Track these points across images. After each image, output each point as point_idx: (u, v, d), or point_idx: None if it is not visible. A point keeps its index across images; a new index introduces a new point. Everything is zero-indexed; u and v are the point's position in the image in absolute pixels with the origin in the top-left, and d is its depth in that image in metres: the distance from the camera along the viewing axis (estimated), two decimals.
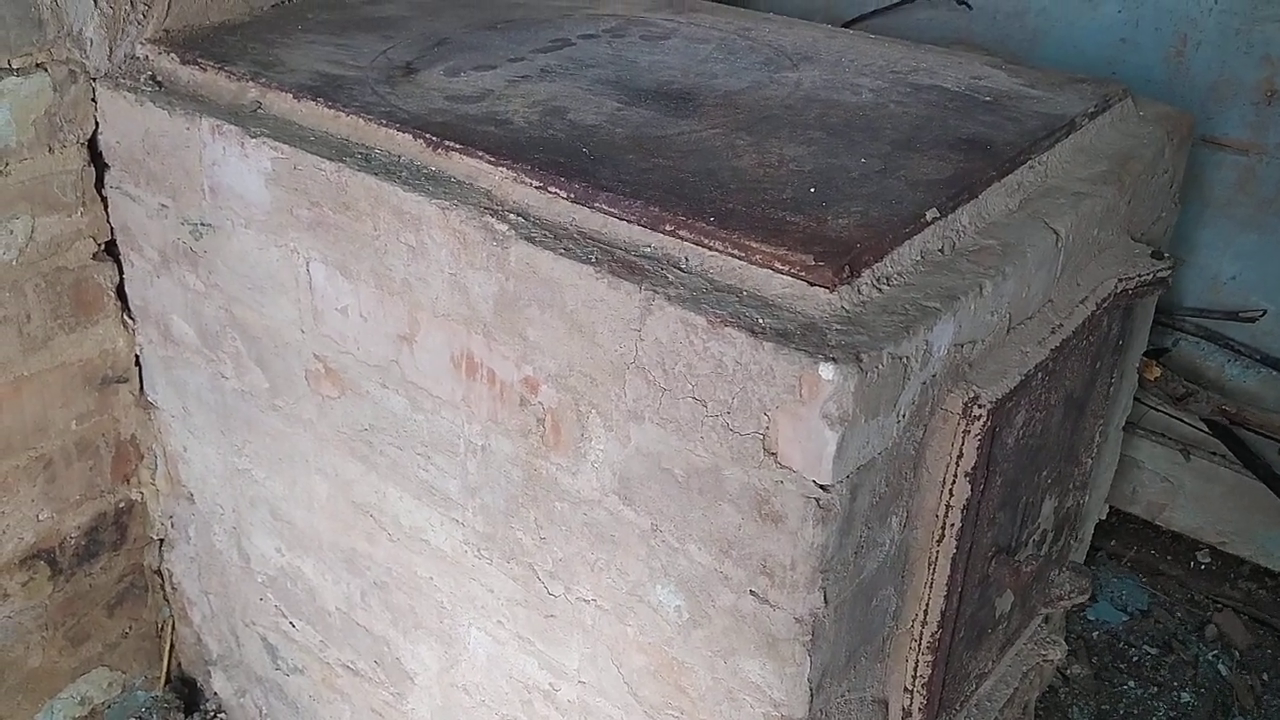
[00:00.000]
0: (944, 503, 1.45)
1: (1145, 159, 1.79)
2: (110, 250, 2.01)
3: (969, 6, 2.67)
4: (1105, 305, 1.66)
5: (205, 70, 1.83)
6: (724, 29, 2.13)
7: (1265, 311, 2.49)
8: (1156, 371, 2.40)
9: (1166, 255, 1.76)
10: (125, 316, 2.06)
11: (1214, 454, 2.64)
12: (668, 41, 2.03)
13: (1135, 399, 2.34)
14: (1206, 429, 2.60)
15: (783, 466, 1.25)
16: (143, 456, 2.19)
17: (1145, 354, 2.20)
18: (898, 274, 1.37)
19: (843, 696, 1.46)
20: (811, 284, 1.30)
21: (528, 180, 1.50)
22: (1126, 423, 2.30)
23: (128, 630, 2.33)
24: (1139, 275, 1.71)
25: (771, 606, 1.33)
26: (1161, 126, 1.90)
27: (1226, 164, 2.46)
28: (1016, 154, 1.63)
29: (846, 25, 2.73)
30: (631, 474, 1.41)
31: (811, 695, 1.36)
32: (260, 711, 2.32)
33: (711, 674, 1.43)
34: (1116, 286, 1.68)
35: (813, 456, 1.23)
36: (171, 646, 2.43)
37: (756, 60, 1.96)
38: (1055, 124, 1.74)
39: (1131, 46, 2.50)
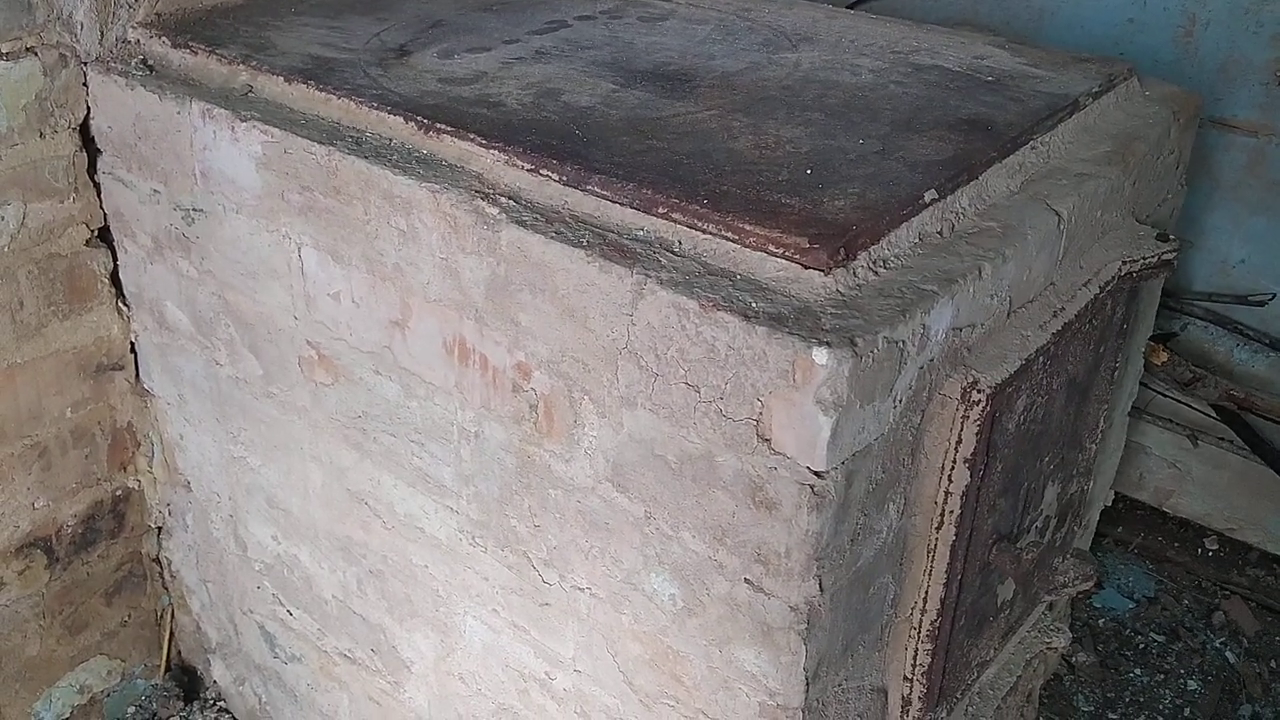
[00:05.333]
0: (943, 489, 1.43)
1: (1150, 139, 1.76)
2: (104, 236, 2.00)
3: None
4: (1109, 288, 1.64)
5: (196, 54, 1.81)
6: (723, 10, 2.10)
7: (1275, 295, 2.45)
8: (1163, 356, 2.38)
9: (1172, 237, 1.73)
10: (120, 303, 2.05)
11: (1222, 439, 2.61)
12: (665, 23, 2.01)
13: (1142, 384, 2.31)
14: (1214, 414, 2.57)
15: (776, 453, 1.23)
16: (139, 444, 2.18)
17: (1152, 338, 2.18)
18: (895, 257, 1.35)
19: (840, 685, 1.44)
20: (806, 267, 1.28)
21: (519, 163, 1.48)
22: (1133, 408, 2.27)
23: (127, 619, 2.33)
24: (1144, 258, 1.68)
25: (766, 595, 1.31)
26: (1167, 106, 1.86)
27: (1236, 146, 2.42)
28: (1018, 134, 1.60)
29: (850, 6, 2.69)
30: (624, 461, 1.39)
31: (807, 684, 1.34)
32: (259, 700, 2.32)
33: (707, 663, 1.41)
34: (1121, 269, 1.65)
35: (807, 442, 1.20)
36: (171, 635, 2.43)
37: (755, 41, 1.93)
38: (1058, 104, 1.71)
39: (1139, 26, 2.46)
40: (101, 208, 1.97)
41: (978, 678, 1.82)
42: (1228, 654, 2.58)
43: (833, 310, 1.24)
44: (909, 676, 1.56)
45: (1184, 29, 2.42)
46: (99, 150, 1.92)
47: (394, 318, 1.59)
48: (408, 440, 1.67)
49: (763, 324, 1.20)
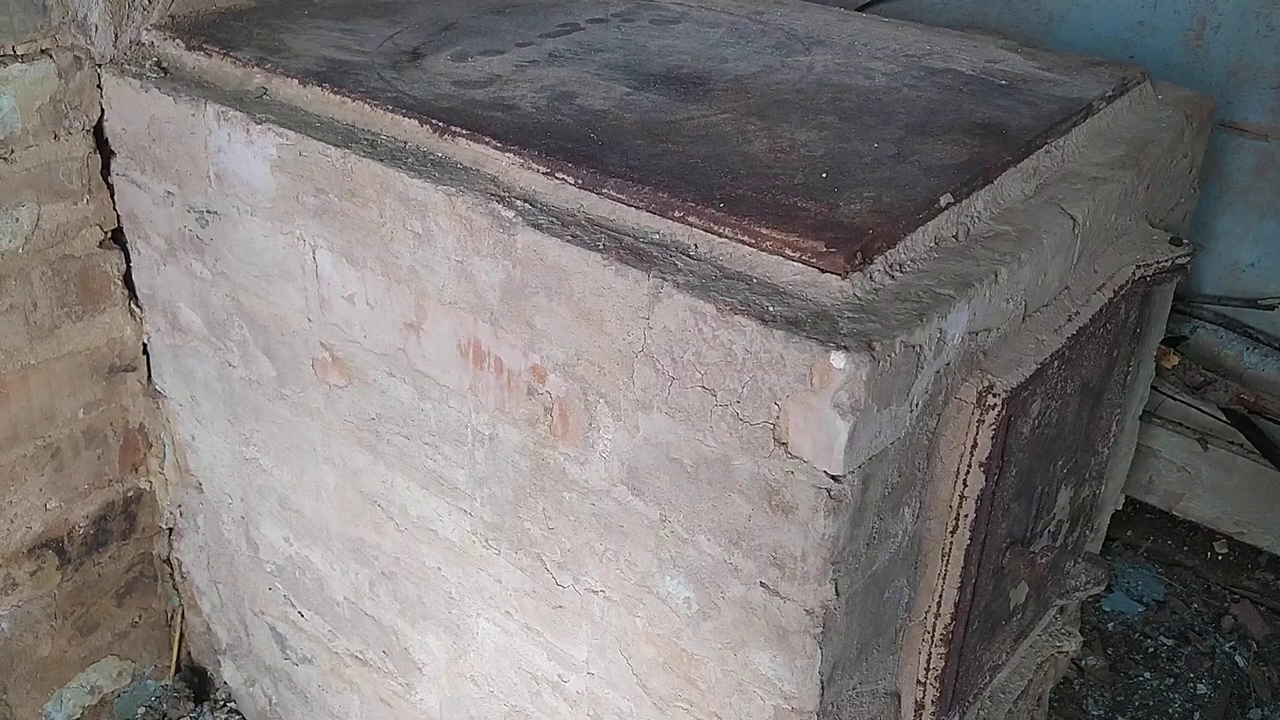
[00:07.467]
0: (958, 493, 1.43)
1: (1164, 143, 1.76)
2: (117, 238, 2.00)
3: None
4: (1123, 292, 1.64)
5: (210, 56, 1.81)
6: (735, 13, 2.10)
7: None
8: (1174, 359, 2.37)
9: (1185, 241, 1.73)
10: (132, 305, 2.05)
11: (1232, 443, 2.61)
12: (678, 25, 2.01)
13: (1153, 387, 2.31)
14: (1224, 418, 2.56)
15: (793, 457, 1.23)
16: (151, 445, 2.19)
17: (1163, 342, 2.17)
18: (911, 261, 1.35)
19: (854, 689, 1.44)
20: (823, 271, 1.28)
21: (535, 166, 1.48)
22: (1144, 411, 2.27)
23: (137, 619, 2.33)
24: (1157, 262, 1.68)
25: (782, 598, 1.31)
26: (1180, 110, 1.86)
27: (1246, 149, 2.42)
28: (1032, 138, 1.60)
29: (861, 9, 2.69)
30: (640, 464, 1.39)
31: (822, 688, 1.34)
32: (270, 701, 2.32)
33: (721, 666, 1.42)
34: (1134, 273, 1.65)
35: (824, 446, 1.21)
36: (181, 636, 2.43)
37: (768, 44, 1.93)
38: (1072, 108, 1.71)
39: (1149, 29, 2.46)
40: (115, 209, 1.97)
41: (990, 681, 1.82)
42: (1237, 658, 2.58)
43: (850, 314, 1.24)
44: (922, 680, 1.56)
45: (1194, 32, 2.42)
46: (113, 152, 1.92)
47: (408, 320, 1.59)
48: (421, 443, 1.67)
49: (780, 328, 1.21)
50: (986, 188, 1.49)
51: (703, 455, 1.32)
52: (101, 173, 1.94)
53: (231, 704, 2.43)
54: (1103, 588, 1.89)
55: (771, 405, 1.23)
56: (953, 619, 1.51)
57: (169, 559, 2.33)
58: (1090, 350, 1.63)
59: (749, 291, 1.27)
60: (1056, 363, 1.50)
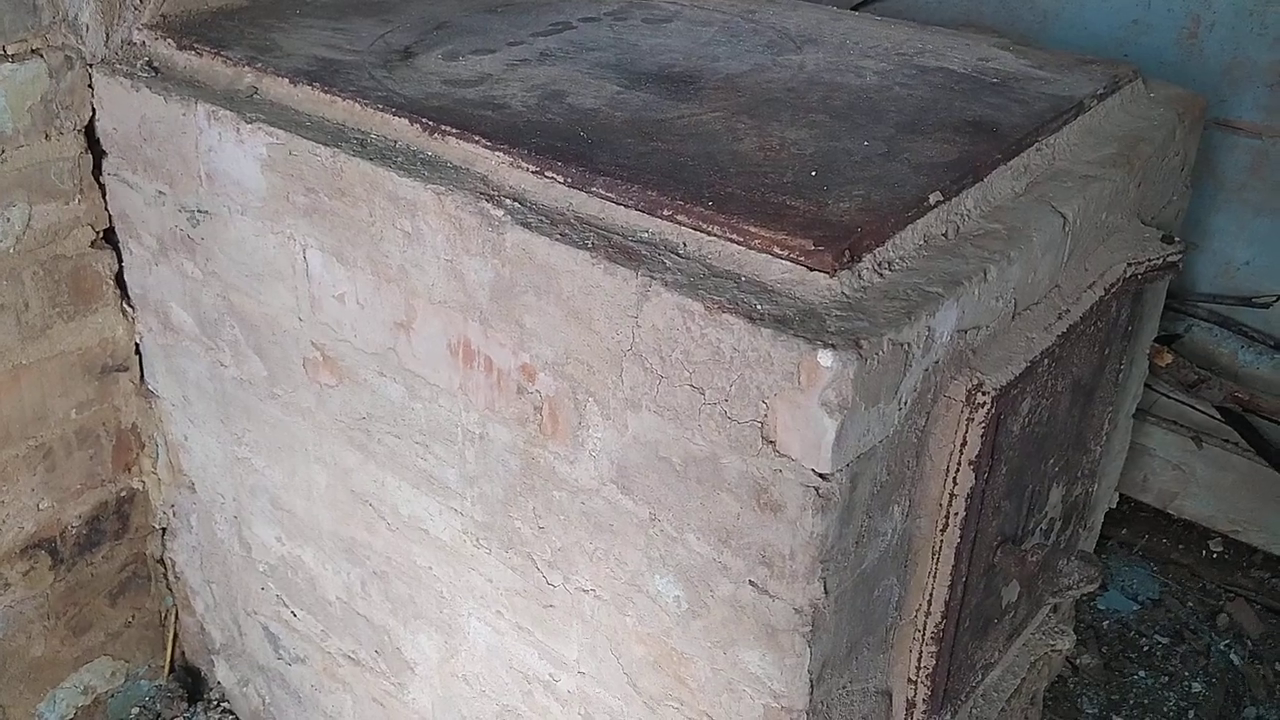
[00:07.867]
0: (948, 491, 1.43)
1: (1155, 141, 1.76)
2: (109, 238, 2.00)
3: None
4: (1114, 290, 1.63)
5: (201, 55, 1.81)
6: (728, 11, 2.10)
7: (1279, 297, 2.45)
8: (1168, 358, 2.37)
9: (1177, 239, 1.73)
10: (124, 304, 2.05)
11: (1226, 441, 2.61)
12: (670, 24, 2.01)
13: (1146, 386, 2.31)
14: (1219, 416, 2.56)
15: (781, 455, 1.23)
16: (144, 445, 2.19)
17: (1157, 340, 2.17)
18: (900, 259, 1.35)
19: (844, 688, 1.44)
20: (811, 269, 1.28)
21: (524, 165, 1.48)
22: (1137, 410, 2.27)
23: (130, 619, 2.33)
24: (1149, 259, 1.68)
25: (771, 597, 1.31)
26: (1172, 108, 1.86)
27: (1240, 147, 2.42)
28: (1023, 136, 1.60)
29: (854, 8, 2.69)
30: (629, 463, 1.39)
31: (811, 686, 1.34)
32: (263, 701, 2.32)
33: (711, 665, 1.41)
34: (1126, 271, 1.65)
35: (812, 445, 1.20)
36: (175, 636, 2.43)
37: (760, 43, 1.93)
38: (1063, 106, 1.71)
39: (1143, 28, 2.46)
40: (107, 209, 1.97)
41: (982, 680, 1.82)
42: (1232, 656, 2.58)
43: (838, 312, 1.24)
44: (913, 679, 1.56)
45: (1188, 30, 2.42)
46: (104, 152, 1.92)
47: (399, 319, 1.59)
48: (412, 442, 1.67)
49: (768, 326, 1.20)
50: (976, 186, 1.49)
51: (691, 454, 1.31)
52: (93, 172, 1.93)
53: (225, 704, 2.42)
54: (1096, 586, 1.89)
55: (759, 404, 1.23)
56: (944, 617, 1.51)
57: (162, 559, 2.33)
58: (1081, 348, 1.63)
59: (737, 290, 1.27)
60: (1047, 361, 1.49)
